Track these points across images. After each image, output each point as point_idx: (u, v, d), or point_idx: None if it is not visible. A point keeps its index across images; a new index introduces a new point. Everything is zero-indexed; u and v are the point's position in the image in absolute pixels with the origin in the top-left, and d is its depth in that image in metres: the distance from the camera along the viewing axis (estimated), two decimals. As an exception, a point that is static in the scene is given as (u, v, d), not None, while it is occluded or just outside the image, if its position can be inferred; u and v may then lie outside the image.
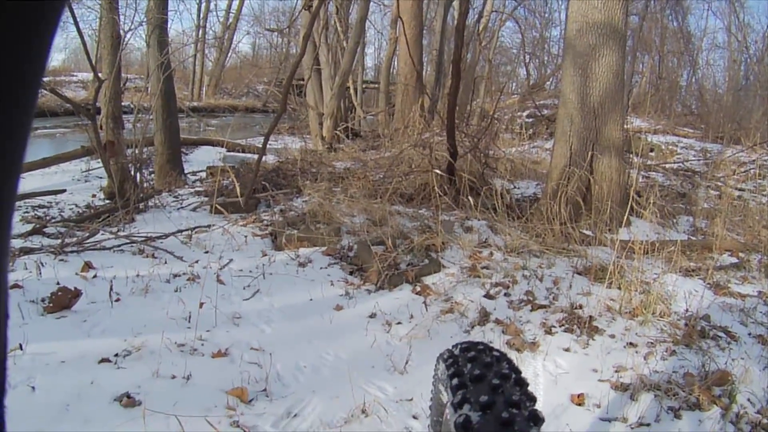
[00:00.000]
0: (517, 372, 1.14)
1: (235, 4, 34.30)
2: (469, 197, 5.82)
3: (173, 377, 2.72)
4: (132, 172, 6.92)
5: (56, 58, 36.42)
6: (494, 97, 14.21)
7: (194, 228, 5.35)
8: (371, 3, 13.11)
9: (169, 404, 2.47)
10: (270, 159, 8.62)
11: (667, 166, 8.82)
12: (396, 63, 16.67)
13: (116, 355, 2.88)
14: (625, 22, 5.53)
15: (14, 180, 0.51)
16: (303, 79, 13.20)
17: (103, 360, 2.82)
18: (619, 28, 5.37)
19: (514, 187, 7.11)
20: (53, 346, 2.89)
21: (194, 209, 6.46)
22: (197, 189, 7.86)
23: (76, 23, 7.73)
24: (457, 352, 1.27)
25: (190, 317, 3.37)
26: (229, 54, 37.23)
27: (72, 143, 11.63)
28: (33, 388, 2.51)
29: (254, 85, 35.14)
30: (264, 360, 2.92)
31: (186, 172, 9.28)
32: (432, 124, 9.88)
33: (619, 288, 3.80)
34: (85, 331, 3.15)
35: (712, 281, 4.13)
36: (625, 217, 4.92)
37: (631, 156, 8.35)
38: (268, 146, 6.89)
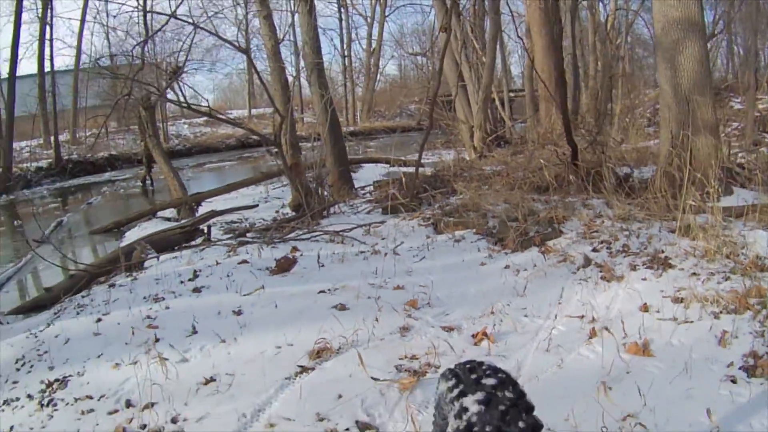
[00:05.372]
0: (522, 396, 1.16)
1: (375, 31, 36.72)
2: (592, 184, 6.98)
3: (369, 297, 4.37)
4: (314, 187, 8.75)
5: (208, 98, 41.14)
6: (633, 94, 14.87)
7: (371, 224, 7.01)
8: (505, 15, 14.20)
9: (370, 311, 4.10)
10: (427, 171, 10.18)
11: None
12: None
13: (329, 289, 4.61)
14: (701, 14, 6.32)
15: None
16: (451, 95, 14.63)
17: (321, 291, 4.58)
18: (697, 21, 6.20)
19: (635, 172, 7.98)
20: (283, 289, 4.68)
21: (368, 212, 8.18)
22: (368, 199, 9.56)
23: (257, 72, 10.03)
24: (460, 372, 1.27)
25: (377, 271, 5.03)
26: (378, 78, 39.51)
27: (238, 173, 13.53)
28: (276, 305, 4.30)
29: (406, 106, 37.01)
30: (428, 290, 4.46)
31: (355, 187, 11.09)
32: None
33: (702, 239, 4.74)
34: (304, 281, 4.95)
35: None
36: (722, 187, 5.77)
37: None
38: (425, 160, 8.41)
